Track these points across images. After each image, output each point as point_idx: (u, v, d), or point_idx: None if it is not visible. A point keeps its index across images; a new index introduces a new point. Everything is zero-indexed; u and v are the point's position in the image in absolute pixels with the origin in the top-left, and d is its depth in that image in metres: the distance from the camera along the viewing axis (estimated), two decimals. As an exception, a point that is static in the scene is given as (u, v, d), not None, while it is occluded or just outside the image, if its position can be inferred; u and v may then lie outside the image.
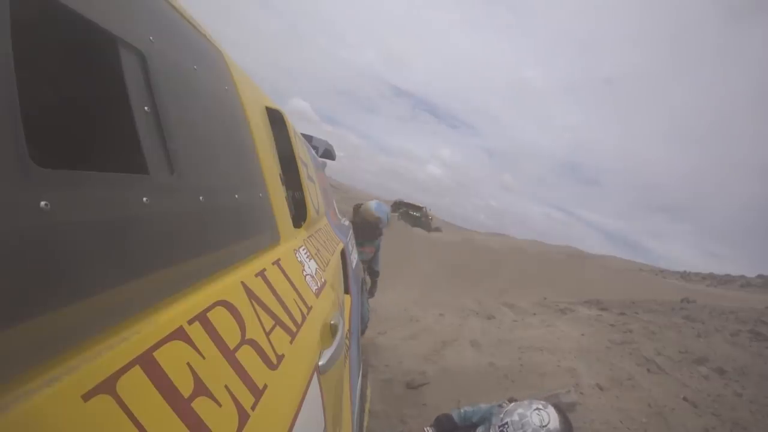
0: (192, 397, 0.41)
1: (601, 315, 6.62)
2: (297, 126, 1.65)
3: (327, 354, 0.87)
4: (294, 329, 0.74)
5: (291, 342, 0.70)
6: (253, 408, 0.50)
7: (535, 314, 6.83)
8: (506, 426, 1.81)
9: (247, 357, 0.53)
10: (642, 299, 8.23)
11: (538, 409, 1.81)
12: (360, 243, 3.53)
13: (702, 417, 3.32)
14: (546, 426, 1.74)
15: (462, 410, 2.24)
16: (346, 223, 3.11)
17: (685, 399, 3.58)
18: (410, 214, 19.50)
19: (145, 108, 0.48)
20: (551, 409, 1.80)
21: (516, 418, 1.81)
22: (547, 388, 3.59)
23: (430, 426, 2.27)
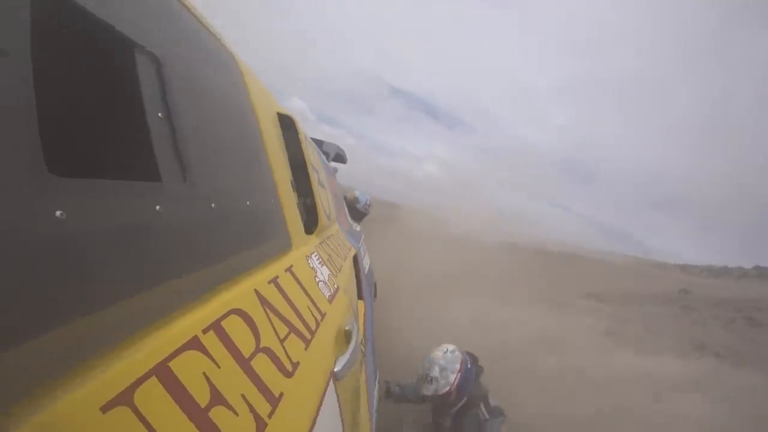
0: (209, 407, 0.40)
1: (601, 307, 6.69)
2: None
3: (342, 360, 0.86)
4: (308, 336, 0.73)
5: (306, 349, 0.69)
6: (270, 416, 0.49)
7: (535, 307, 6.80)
8: (425, 374, 2.25)
9: (262, 365, 0.53)
10: (642, 292, 8.22)
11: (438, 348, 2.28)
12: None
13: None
14: (446, 352, 2.23)
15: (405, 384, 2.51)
16: (358, 228, 3.11)
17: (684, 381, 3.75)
18: None
19: (159, 114, 0.48)
20: (449, 345, 2.29)
21: (425, 363, 2.28)
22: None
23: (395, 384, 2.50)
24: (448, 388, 2.16)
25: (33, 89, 0.30)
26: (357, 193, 4.16)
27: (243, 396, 0.46)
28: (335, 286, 1.15)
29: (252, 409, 0.47)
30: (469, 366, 2.26)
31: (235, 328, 0.51)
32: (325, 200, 1.65)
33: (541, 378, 3.77)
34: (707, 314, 5.90)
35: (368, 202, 4.16)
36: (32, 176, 0.28)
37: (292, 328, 0.68)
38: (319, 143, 3.23)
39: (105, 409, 0.30)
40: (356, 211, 4.10)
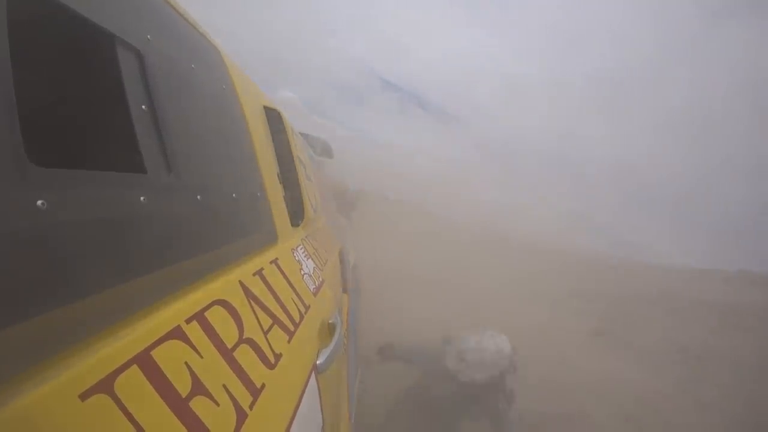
0: (190, 397, 0.40)
1: (585, 307, 6.83)
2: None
3: (325, 353, 0.87)
4: (292, 328, 0.74)
5: (289, 341, 0.70)
6: (251, 407, 0.50)
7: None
8: (464, 353, 2.02)
9: (245, 356, 0.53)
10: (625, 292, 8.39)
11: (492, 335, 2.05)
12: None
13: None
14: (501, 352, 2.06)
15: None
16: (345, 222, 3.11)
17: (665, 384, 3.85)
18: None
19: (143, 107, 0.48)
20: (504, 337, 2.05)
21: (472, 344, 2.01)
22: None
23: None
24: None
25: (16, 81, 0.29)
26: (348, 183, 5.01)
27: (224, 386, 0.47)
28: (320, 279, 1.15)
29: (233, 400, 0.47)
30: None
31: (219, 318, 0.52)
32: (311, 193, 1.65)
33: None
34: (692, 318, 6.03)
35: (354, 188, 5.13)
36: (14, 166, 0.28)
37: (276, 320, 0.68)
38: (305, 137, 3.21)
39: (84, 396, 0.30)
40: (346, 197, 4.67)
